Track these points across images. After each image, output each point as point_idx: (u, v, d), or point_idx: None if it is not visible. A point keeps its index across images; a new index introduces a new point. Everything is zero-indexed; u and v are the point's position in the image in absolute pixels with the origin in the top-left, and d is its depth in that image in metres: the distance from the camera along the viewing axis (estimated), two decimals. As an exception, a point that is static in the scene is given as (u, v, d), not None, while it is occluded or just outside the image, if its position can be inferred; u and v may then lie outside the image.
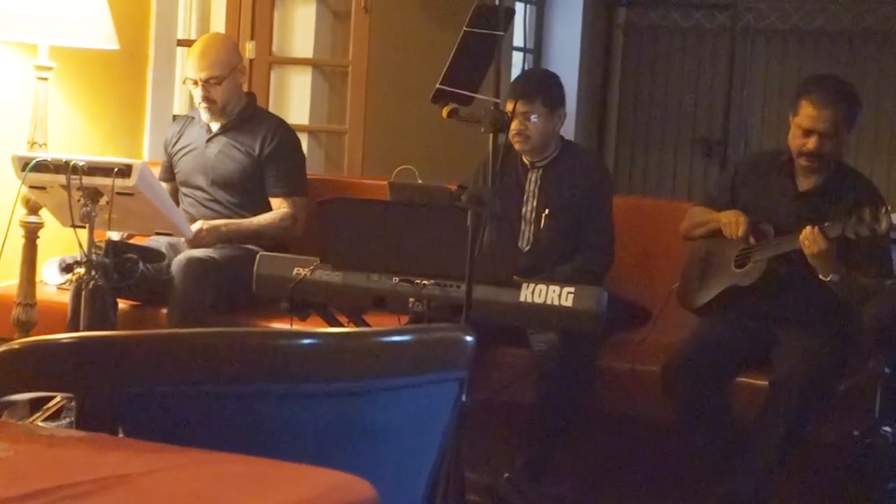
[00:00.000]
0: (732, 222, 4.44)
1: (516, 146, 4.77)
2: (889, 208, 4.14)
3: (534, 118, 4.73)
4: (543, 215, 4.77)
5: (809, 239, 4.18)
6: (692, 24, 9.89)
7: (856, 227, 4.11)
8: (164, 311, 4.86)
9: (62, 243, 5.07)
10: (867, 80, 9.12)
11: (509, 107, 4.66)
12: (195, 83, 5.12)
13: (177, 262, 4.83)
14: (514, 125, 4.71)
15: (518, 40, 8.58)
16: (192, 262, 4.80)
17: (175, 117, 5.92)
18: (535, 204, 4.81)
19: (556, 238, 4.76)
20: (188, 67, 5.22)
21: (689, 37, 9.91)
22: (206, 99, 5.11)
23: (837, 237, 4.16)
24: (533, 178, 4.83)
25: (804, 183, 4.49)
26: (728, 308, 4.50)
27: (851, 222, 4.12)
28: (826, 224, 4.19)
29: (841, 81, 4.56)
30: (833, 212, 4.29)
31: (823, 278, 4.22)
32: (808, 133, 4.38)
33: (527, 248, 4.78)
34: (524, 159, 4.85)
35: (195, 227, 4.96)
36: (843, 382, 4.31)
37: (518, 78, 5.29)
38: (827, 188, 4.45)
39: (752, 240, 4.43)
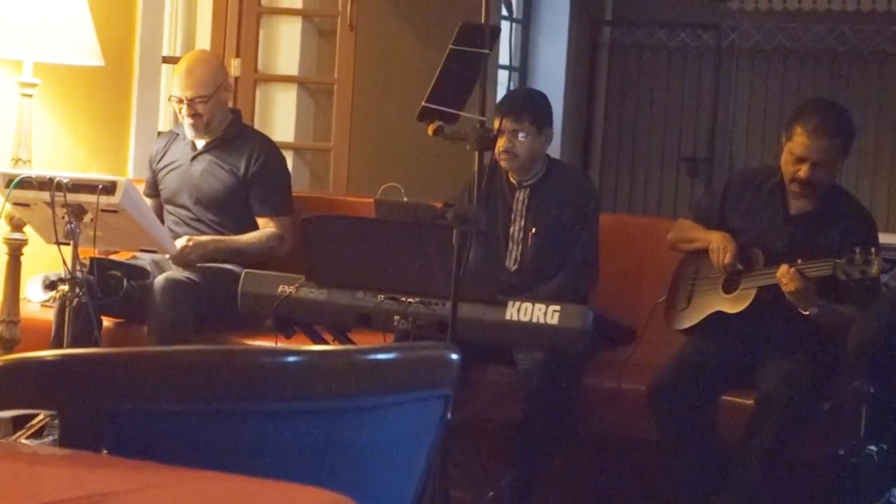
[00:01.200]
0: (720, 249, 4.42)
1: (503, 164, 4.77)
2: (880, 251, 4.13)
3: (521, 136, 4.73)
4: (530, 234, 4.77)
5: (787, 277, 4.18)
6: (677, 43, 9.92)
7: (846, 268, 4.11)
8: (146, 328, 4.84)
9: (46, 260, 5.05)
10: (850, 99, 9.14)
11: (497, 124, 4.66)
12: (180, 101, 5.11)
13: (157, 283, 4.80)
14: (502, 143, 4.70)
15: (504, 58, 8.58)
16: (171, 284, 4.78)
17: (160, 133, 5.91)
18: (522, 223, 4.80)
19: (543, 257, 4.75)
20: (174, 85, 5.20)
21: (674, 56, 9.94)
22: (193, 115, 5.09)
23: (819, 277, 4.15)
24: (520, 198, 4.82)
25: (796, 206, 4.47)
26: (713, 331, 4.49)
27: (842, 263, 4.11)
28: (800, 262, 4.19)
29: (838, 110, 4.52)
30: (824, 237, 4.29)
31: (803, 312, 4.22)
32: (800, 160, 4.36)
33: (514, 268, 4.77)
34: (511, 179, 4.84)
35: (180, 242, 4.94)
36: (827, 402, 4.31)
37: (506, 96, 5.30)
38: (818, 213, 4.44)
39: (739, 266, 4.42)
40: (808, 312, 4.22)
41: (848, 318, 4.28)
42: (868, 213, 4.55)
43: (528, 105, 4.83)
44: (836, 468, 4.24)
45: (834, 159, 4.38)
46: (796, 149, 4.37)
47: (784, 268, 4.19)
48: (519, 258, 4.79)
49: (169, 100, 5.36)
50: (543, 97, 4.95)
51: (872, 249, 4.09)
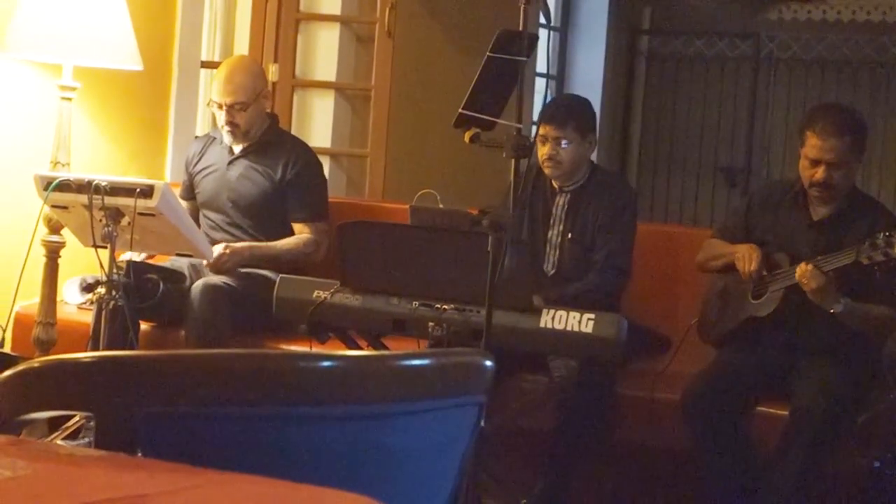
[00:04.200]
0: (745, 257, 4.42)
1: (547, 171, 4.76)
2: None
3: (565, 143, 4.72)
4: (568, 239, 4.77)
5: (806, 276, 4.17)
6: (715, 52, 9.89)
7: (869, 252, 4.10)
8: (184, 332, 4.87)
9: (83, 263, 5.08)
10: (890, 110, 9.11)
11: (541, 131, 4.68)
12: (220, 106, 5.12)
13: (195, 287, 4.82)
14: (546, 150, 4.71)
15: (541, 66, 8.58)
16: (209, 289, 4.80)
17: (197, 137, 5.93)
18: (561, 228, 4.80)
19: (579, 262, 4.75)
20: (213, 90, 5.21)
21: (711, 65, 9.92)
22: (230, 123, 5.11)
23: (842, 267, 4.14)
24: (560, 203, 4.82)
25: (818, 212, 4.48)
26: (747, 339, 4.48)
27: (865, 248, 4.10)
28: (819, 258, 4.18)
29: (845, 109, 4.56)
30: (848, 239, 4.28)
31: (828, 310, 4.21)
32: (815, 164, 4.38)
33: (552, 272, 4.77)
34: (553, 184, 4.84)
35: (217, 249, 4.95)
36: (862, 413, 4.28)
37: (550, 103, 5.29)
38: (841, 216, 4.44)
39: (765, 272, 4.41)
40: (833, 311, 4.20)
41: (879, 318, 4.27)
42: (890, 211, 4.54)
43: (572, 113, 4.83)
44: (871, 480, 4.22)
45: (848, 159, 4.38)
46: (810, 153, 4.38)
47: (802, 266, 4.19)
48: (556, 263, 4.78)
49: (208, 104, 5.38)
50: (587, 104, 4.95)
51: None
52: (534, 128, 5.91)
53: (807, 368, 4.30)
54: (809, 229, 4.47)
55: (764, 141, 9.74)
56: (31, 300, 5.16)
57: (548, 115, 4.85)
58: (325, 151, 6.31)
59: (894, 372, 4.24)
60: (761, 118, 9.75)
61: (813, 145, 4.38)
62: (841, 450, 4.23)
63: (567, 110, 4.86)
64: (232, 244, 5.05)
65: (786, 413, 4.23)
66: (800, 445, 4.14)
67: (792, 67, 9.69)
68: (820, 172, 4.37)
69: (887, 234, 4.08)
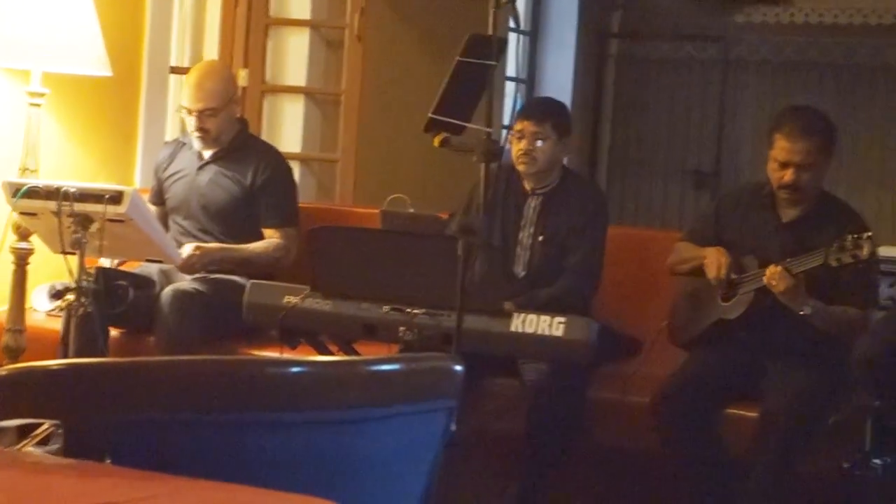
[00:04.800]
0: (714, 261, 4.43)
1: (521, 167, 4.75)
2: (871, 235, 4.14)
3: (542, 141, 4.72)
4: (539, 241, 4.77)
5: (775, 278, 4.19)
6: (683, 55, 9.92)
7: (837, 255, 4.12)
8: (153, 339, 4.85)
9: (52, 270, 5.05)
10: (857, 113, 9.17)
11: (518, 126, 4.68)
12: (189, 112, 5.10)
13: (165, 294, 4.81)
14: (522, 145, 4.71)
15: (511, 70, 8.60)
16: (179, 295, 4.79)
17: (166, 142, 5.91)
18: (532, 230, 4.80)
19: (550, 265, 4.75)
20: (183, 96, 5.20)
21: (680, 68, 9.95)
22: (201, 129, 5.09)
23: (811, 269, 4.17)
24: (532, 205, 4.82)
25: (787, 214, 4.50)
26: (717, 341, 4.50)
27: (833, 249, 4.12)
28: (788, 260, 4.21)
29: (813, 111, 4.59)
30: (817, 241, 4.30)
31: (798, 312, 4.23)
32: (784, 165, 4.40)
33: (522, 274, 4.78)
34: (524, 186, 4.84)
35: (188, 248, 4.94)
36: (832, 415, 4.31)
37: (529, 101, 5.32)
38: (810, 218, 4.46)
39: (733, 275, 4.43)
40: (802, 313, 4.22)
41: (848, 320, 4.30)
42: (858, 214, 4.56)
43: (551, 111, 4.85)
44: (841, 481, 4.24)
45: (817, 161, 4.40)
46: (778, 155, 4.40)
47: (771, 268, 4.21)
48: (527, 265, 4.79)
49: (178, 110, 5.36)
50: (565, 107, 4.98)
51: (865, 234, 4.10)
52: (503, 132, 5.92)
53: (776, 370, 4.31)
54: (778, 231, 4.49)
55: (733, 143, 9.77)
56: (-1, 307, 5.14)
57: (526, 111, 4.87)
58: (295, 156, 6.30)
59: (863, 373, 4.26)
60: (730, 121, 9.78)
61: (781, 147, 4.40)
62: (811, 451, 4.25)
63: (546, 108, 4.88)
64: (202, 244, 5.03)
65: (756, 415, 4.24)
66: (770, 447, 4.16)
67: (760, 70, 9.73)
68: (788, 174, 4.39)
69: (855, 236, 4.11)
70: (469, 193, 4.65)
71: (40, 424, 3.57)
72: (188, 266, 4.94)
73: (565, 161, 4.95)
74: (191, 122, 5.11)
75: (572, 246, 4.74)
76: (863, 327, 4.33)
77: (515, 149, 4.72)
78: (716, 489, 4.29)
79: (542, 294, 4.61)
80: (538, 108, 4.86)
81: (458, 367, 2.15)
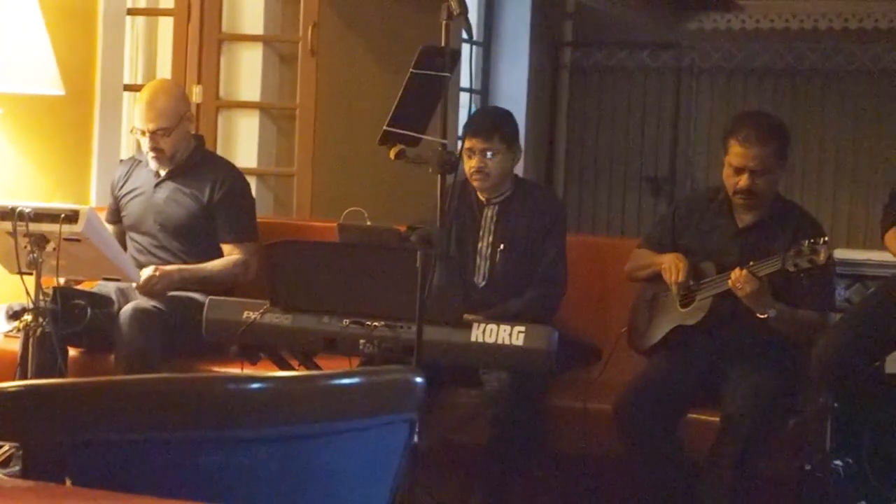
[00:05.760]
0: (672, 267, 4.46)
1: (475, 184, 4.77)
2: (828, 240, 4.18)
3: (491, 155, 4.74)
4: (499, 250, 4.78)
5: (739, 281, 4.22)
6: (637, 63, 9.98)
7: (795, 260, 4.15)
8: (113, 357, 4.82)
9: (9, 290, 5.02)
10: (811, 117, 9.25)
11: (467, 144, 4.69)
12: (143, 133, 5.08)
13: (123, 312, 4.78)
14: (473, 163, 4.72)
15: (465, 81, 8.62)
16: (138, 313, 4.76)
17: (122, 160, 5.89)
18: (490, 239, 4.81)
19: (511, 272, 4.77)
20: (136, 116, 5.17)
21: (634, 76, 10.00)
22: (155, 149, 5.06)
23: (771, 273, 4.20)
24: (489, 215, 4.83)
25: (743, 219, 4.53)
26: (676, 347, 4.52)
27: (790, 255, 4.16)
28: (752, 263, 4.24)
29: (766, 116, 4.65)
30: (774, 246, 4.33)
31: (760, 316, 4.26)
32: (739, 171, 4.43)
33: (483, 284, 4.78)
34: (479, 197, 4.85)
35: (147, 272, 4.91)
36: (792, 417, 4.34)
37: (473, 115, 5.32)
38: (766, 223, 4.49)
39: (691, 281, 4.46)
40: (765, 316, 4.25)
41: (808, 323, 4.33)
42: (814, 218, 4.61)
43: (497, 124, 4.85)
44: (802, 483, 4.27)
45: (771, 165, 4.44)
46: (734, 160, 4.44)
47: (736, 271, 4.24)
48: (487, 274, 4.79)
49: (132, 131, 5.34)
50: (510, 115, 4.98)
51: (821, 240, 4.13)
52: (458, 143, 5.93)
53: (736, 375, 4.34)
54: (735, 237, 4.52)
55: (688, 150, 9.83)
56: (-44, 330, 5.09)
57: (473, 128, 4.87)
58: (251, 171, 6.29)
59: (822, 375, 4.29)
60: (685, 127, 9.84)
61: (736, 153, 4.43)
62: (772, 453, 4.27)
63: (492, 122, 4.88)
64: (161, 266, 5.01)
65: (717, 419, 4.27)
66: (731, 450, 4.18)
67: (713, 76, 9.80)
68: (744, 180, 4.42)
69: (812, 241, 4.14)
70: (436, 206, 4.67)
71: (1, 446, 3.54)
72: (148, 288, 4.91)
73: (520, 173, 4.97)
74: (145, 143, 5.09)
75: (534, 254, 4.76)
76: (821, 330, 4.36)
77: (467, 166, 4.73)
78: (678, 493, 4.31)
79: (510, 306, 4.62)
80: (484, 124, 4.85)
81: (420, 380, 2.15)
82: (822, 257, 4.12)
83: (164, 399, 1.93)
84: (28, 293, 4.18)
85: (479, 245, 4.83)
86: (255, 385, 2.00)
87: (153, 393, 1.95)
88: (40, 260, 4.15)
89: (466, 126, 4.96)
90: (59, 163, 5.79)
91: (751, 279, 4.21)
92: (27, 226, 4.12)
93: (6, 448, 3.71)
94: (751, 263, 4.25)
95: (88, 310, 4.72)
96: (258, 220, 5.34)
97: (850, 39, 9.33)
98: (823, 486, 4.22)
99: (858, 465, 4.29)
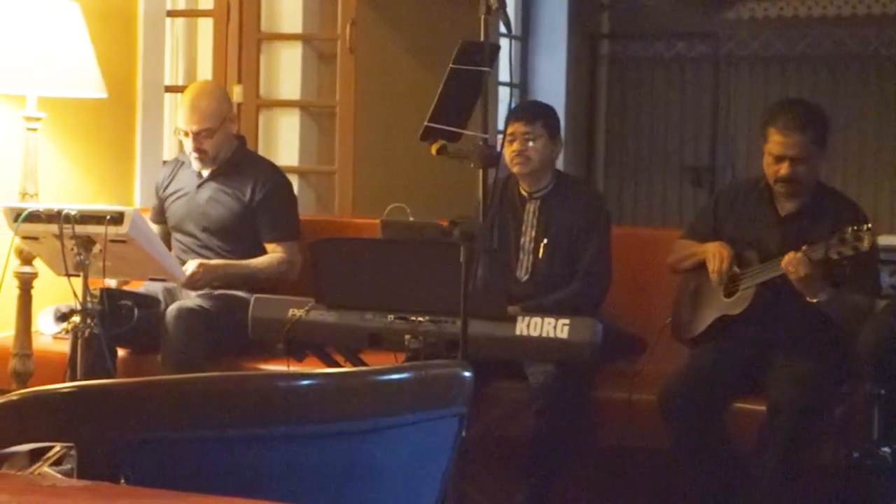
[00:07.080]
0: (715, 256, 4.45)
1: (515, 169, 4.78)
2: (871, 226, 4.16)
3: (534, 142, 4.75)
4: (542, 245, 4.79)
5: (793, 264, 4.20)
6: (675, 53, 9.95)
7: (838, 248, 4.13)
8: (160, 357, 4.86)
9: (57, 292, 5.07)
10: (850, 104, 9.19)
11: (510, 129, 4.71)
12: (186, 134, 5.12)
13: (169, 312, 4.82)
14: (515, 146, 4.73)
15: (504, 75, 8.58)
16: (184, 312, 4.80)
17: (165, 161, 5.93)
18: (533, 234, 4.82)
19: (555, 267, 4.77)
20: (179, 118, 5.21)
21: (672, 66, 9.97)
22: (198, 150, 5.11)
23: (821, 259, 4.18)
24: (531, 209, 4.84)
25: (785, 207, 4.51)
26: (721, 337, 4.51)
27: (834, 243, 4.14)
28: (806, 247, 4.22)
29: (805, 104, 4.62)
30: (816, 233, 4.31)
31: (811, 300, 4.24)
32: (779, 159, 4.42)
33: (525, 278, 4.79)
34: (521, 191, 4.86)
35: (191, 265, 4.95)
36: (839, 405, 4.32)
37: (518, 104, 5.33)
38: (808, 210, 4.48)
39: (736, 269, 4.45)
40: (816, 300, 4.23)
41: (857, 307, 4.31)
42: (856, 204, 4.58)
43: (541, 111, 4.89)
44: (850, 471, 4.25)
45: (811, 153, 4.42)
46: (773, 149, 4.42)
47: (790, 255, 4.22)
48: (530, 269, 4.80)
49: (175, 133, 5.37)
50: (553, 109, 5.01)
51: (865, 226, 4.12)
52: (499, 137, 5.94)
53: (782, 364, 4.33)
54: (777, 225, 4.51)
55: (728, 139, 9.79)
56: (5, 332, 5.14)
57: (516, 113, 4.90)
58: (293, 170, 6.31)
59: (869, 362, 4.27)
60: (724, 117, 9.80)
61: (776, 141, 4.41)
62: (819, 442, 4.26)
63: (535, 109, 4.93)
64: (205, 261, 5.05)
65: (763, 409, 4.26)
66: (778, 440, 4.17)
67: (752, 65, 9.75)
68: (784, 168, 4.41)
69: (855, 228, 4.12)
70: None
71: (52, 447, 3.58)
72: (192, 283, 4.95)
73: (560, 166, 4.98)
74: (188, 144, 5.13)
75: (579, 249, 4.76)
76: (870, 314, 4.34)
77: (508, 151, 4.74)
78: (725, 484, 4.30)
79: (553, 299, 4.62)
80: (527, 110, 4.91)
81: (468, 374, 2.15)
82: (865, 244, 4.10)
83: (214, 397, 1.94)
84: (76, 295, 4.21)
85: (522, 240, 4.83)
86: (304, 382, 2.01)
87: (205, 392, 1.96)
88: (87, 262, 4.18)
89: (509, 114, 4.98)
90: (103, 165, 5.84)
91: (805, 262, 4.19)
92: (73, 228, 4.15)
93: (58, 448, 3.74)
94: (804, 248, 4.23)
95: (135, 310, 4.75)
96: (301, 218, 5.36)
97: (889, 25, 9.27)
98: (872, 474, 4.20)
99: (906, 453, 4.27)
